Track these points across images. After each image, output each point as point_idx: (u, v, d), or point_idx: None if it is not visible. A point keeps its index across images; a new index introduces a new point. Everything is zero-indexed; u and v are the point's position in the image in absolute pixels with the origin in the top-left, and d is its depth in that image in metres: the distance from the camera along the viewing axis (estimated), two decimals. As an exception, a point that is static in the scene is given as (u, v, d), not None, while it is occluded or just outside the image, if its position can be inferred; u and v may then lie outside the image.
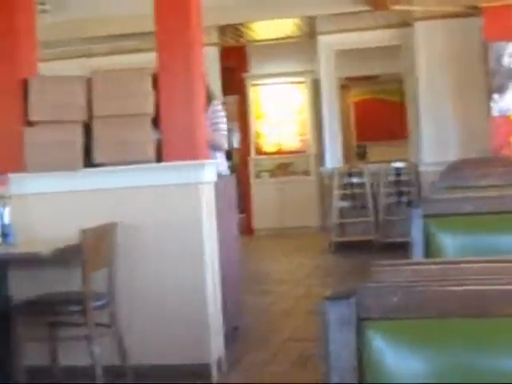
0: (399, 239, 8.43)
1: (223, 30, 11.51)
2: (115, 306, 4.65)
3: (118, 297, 4.68)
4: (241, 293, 6.17)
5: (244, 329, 6.05)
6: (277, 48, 12.39)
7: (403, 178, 10.33)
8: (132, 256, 4.88)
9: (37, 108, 5.01)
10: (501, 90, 9.33)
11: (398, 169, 10.40)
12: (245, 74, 13.12)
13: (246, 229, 12.11)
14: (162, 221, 4.92)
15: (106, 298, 4.59)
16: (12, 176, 4.99)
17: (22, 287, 4.77)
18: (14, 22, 5.14)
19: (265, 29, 11.71)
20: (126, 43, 10.85)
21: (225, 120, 6.14)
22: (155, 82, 5.00)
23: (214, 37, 11.45)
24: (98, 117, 4.96)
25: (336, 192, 10.55)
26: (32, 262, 4.72)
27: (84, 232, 4.33)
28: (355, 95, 14.27)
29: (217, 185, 5.24)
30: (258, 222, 12.66)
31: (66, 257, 4.53)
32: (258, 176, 12.90)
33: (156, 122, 5.00)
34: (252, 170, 12.91)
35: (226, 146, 6.11)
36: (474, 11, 9.48)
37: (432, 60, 9.96)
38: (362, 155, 13.77)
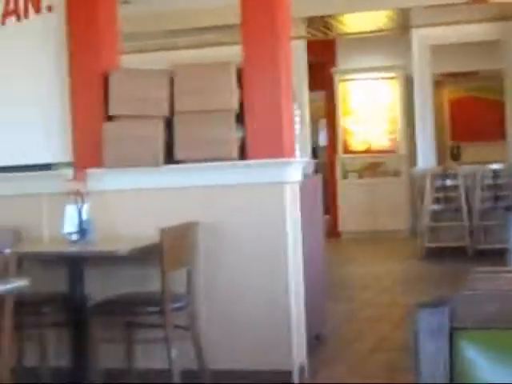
0: (494, 246, 8.16)
1: (311, 22, 11.21)
2: (194, 307, 4.53)
3: (197, 298, 4.57)
4: (325, 299, 5.95)
5: (327, 336, 5.86)
6: (367, 41, 12.07)
7: (501, 180, 9.92)
8: (213, 256, 4.77)
9: (117, 102, 4.91)
10: None
11: (495, 171, 10.00)
12: (333, 69, 12.85)
13: (332, 231, 11.90)
14: (245, 221, 4.78)
15: (185, 300, 4.50)
16: (91, 171, 4.89)
17: (99, 286, 4.70)
18: (95, 13, 5.07)
19: (355, 21, 11.39)
20: (207, 36, 10.72)
21: (298, 126, 5.85)
22: (239, 76, 4.83)
23: (301, 30, 11.18)
24: (180, 112, 4.84)
25: (428, 194, 10.16)
26: (109, 260, 4.66)
27: (164, 231, 4.26)
28: (450, 92, 13.85)
29: (302, 184, 5.03)
30: (345, 224, 12.41)
31: (144, 256, 4.48)
32: (344, 176, 12.63)
33: (240, 118, 4.82)
34: (339, 169, 12.64)
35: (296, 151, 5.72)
36: None
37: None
38: (456, 156, 13.36)
